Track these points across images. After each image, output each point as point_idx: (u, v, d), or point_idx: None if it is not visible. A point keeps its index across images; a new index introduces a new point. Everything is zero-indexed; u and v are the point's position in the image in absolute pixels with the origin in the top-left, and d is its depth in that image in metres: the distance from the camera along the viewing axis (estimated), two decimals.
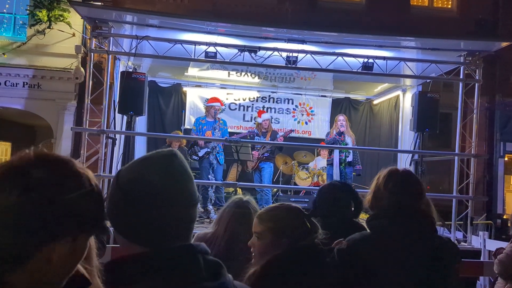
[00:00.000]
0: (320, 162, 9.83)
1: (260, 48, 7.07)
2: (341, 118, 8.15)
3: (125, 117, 7.92)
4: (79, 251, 0.97)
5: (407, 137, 9.48)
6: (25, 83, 9.75)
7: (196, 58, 7.10)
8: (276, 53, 7.13)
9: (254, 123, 9.82)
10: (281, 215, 2.05)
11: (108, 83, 7.20)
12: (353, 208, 2.80)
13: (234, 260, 2.17)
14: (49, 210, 0.89)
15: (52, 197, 0.90)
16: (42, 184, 0.90)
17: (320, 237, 2.03)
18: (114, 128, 7.72)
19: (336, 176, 7.81)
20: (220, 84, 10.77)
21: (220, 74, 10.13)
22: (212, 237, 2.51)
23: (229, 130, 8.72)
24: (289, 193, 9.50)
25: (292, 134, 9.26)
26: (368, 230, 2.14)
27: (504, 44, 7.01)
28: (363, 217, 3.07)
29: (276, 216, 2.05)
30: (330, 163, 8.22)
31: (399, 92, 10.13)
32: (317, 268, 2.00)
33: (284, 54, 7.13)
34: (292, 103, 11.06)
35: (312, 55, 7.24)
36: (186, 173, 1.14)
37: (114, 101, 7.62)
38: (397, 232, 2.04)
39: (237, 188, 8.85)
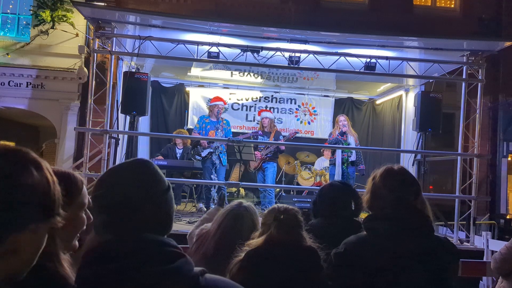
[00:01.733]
0: (323, 162, 9.83)
1: (262, 48, 7.08)
2: (342, 118, 8.16)
3: (128, 117, 7.96)
4: (40, 241, 1.00)
5: (410, 137, 9.49)
6: (29, 83, 9.78)
7: (199, 58, 7.11)
8: (278, 53, 7.14)
9: (258, 123, 9.84)
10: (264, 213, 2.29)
11: (111, 83, 7.22)
12: (353, 208, 2.81)
13: (221, 260, 2.23)
14: (9, 199, 0.93)
15: (8, 187, 0.93)
16: None
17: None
18: (117, 128, 7.74)
19: (338, 176, 7.81)
20: (223, 84, 10.78)
21: (223, 74, 10.14)
22: (206, 234, 2.54)
23: (232, 130, 8.72)
24: (291, 193, 9.50)
25: (295, 135, 9.27)
26: (364, 232, 2.11)
27: (507, 44, 7.00)
28: (363, 217, 3.08)
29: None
30: (332, 163, 8.23)
31: (402, 92, 10.12)
32: (297, 263, 2.04)
33: (287, 54, 7.14)
34: (295, 103, 11.06)
35: (315, 55, 7.25)
36: (140, 177, 1.31)
37: (117, 101, 7.64)
38: (394, 232, 2.02)
39: (240, 188, 8.88)
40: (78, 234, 1.53)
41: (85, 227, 1.58)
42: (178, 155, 9.15)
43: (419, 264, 1.98)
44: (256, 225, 2.53)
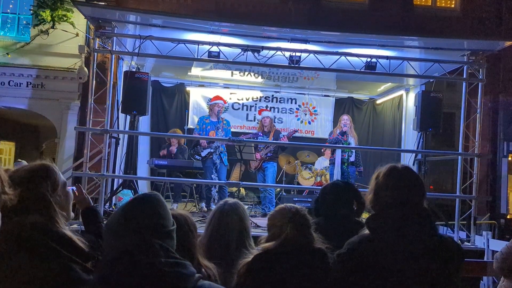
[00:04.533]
0: (323, 162, 9.83)
1: (263, 48, 7.06)
2: (345, 117, 8.15)
3: (128, 117, 7.95)
4: None
5: (410, 136, 9.48)
6: (29, 83, 9.78)
7: (199, 57, 7.09)
8: (279, 52, 7.12)
9: (258, 123, 9.83)
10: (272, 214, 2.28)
11: (112, 82, 7.21)
12: (355, 207, 2.81)
13: (215, 260, 2.25)
14: None
15: None
16: None
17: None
18: (118, 128, 7.73)
19: (337, 176, 7.80)
20: (223, 84, 10.78)
21: (223, 74, 10.14)
22: (199, 241, 2.56)
23: (232, 130, 8.71)
24: (292, 192, 9.50)
25: (295, 134, 9.26)
26: (367, 231, 2.09)
27: (508, 43, 6.98)
28: (364, 217, 3.08)
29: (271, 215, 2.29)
30: (332, 163, 8.22)
31: (402, 92, 10.11)
32: (308, 265, 2.03)
33: (287, 54, 7.13)
34: (295, 103, 11.06)
35: (315, 54, 7.23)
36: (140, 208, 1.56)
37: (117, 100, 7.64)
38: (398, 231, 2.00)
39: (241, 188, 8.87)
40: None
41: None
42: (173, 154, 9.19)
43: (423, 263, 1.96)
44: (243, 220, 2.57)
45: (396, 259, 1.96)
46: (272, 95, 10.98)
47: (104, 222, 2.38)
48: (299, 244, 2.07)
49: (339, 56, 7.25)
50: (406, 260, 1.96)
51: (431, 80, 8.33)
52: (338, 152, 7.96)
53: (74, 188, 2.76)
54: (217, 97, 8.38)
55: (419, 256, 1.97)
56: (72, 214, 1.87)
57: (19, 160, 8.20)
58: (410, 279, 1.95)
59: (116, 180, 7.98)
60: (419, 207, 2.07)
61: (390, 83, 10.19)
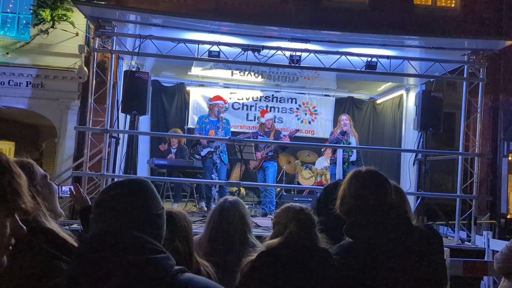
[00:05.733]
0: (323, 162, 9.82)
1: (263, 47, 7.06)
2: (344, 117, 8.14)
3: (128, 117, 7.94)
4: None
5: (410, 136, 9.47)
6: (29, 83, 9.77)
7: (199, 57, 7.09)
8: (279, 52, 7.12)
9: (258, 123, 9.82)
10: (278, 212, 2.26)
11: (112, 82, 7.21)
12: None
13: (217, 257, 2.29)
14: None
15: None
16: None
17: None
18: (118, 128, 7.73)
19: (339, 175, 7.79)
20: (223, 84, 10.77)
21: (223, 74, 10.13)
22: (199, 239, 2.56)
23: (233, 129, 8.70)
24: (292, 192, 9.49)
25: (296, 134, 9.26)
26: (349, 239, 2.09)
27: (508, 43, 6.98)
28: None
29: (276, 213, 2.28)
30: (333, 162, 8.22)
31: (402, 91, 10.10)
32: (311, 264, 2.03)
33: (288, 53, 7.12)
34: (296, 103, 11.05)
35: (316, 54, 7.23)
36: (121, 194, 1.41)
37: (117, 100, 7.63)
38: (373, 235, 2.00)
39: (241, 187, 8.87)
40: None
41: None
42: (173, 154, 9.20)
43: (405, 259, 1.98)
44: (244, 216, 2.60)
45: (380, 262, 1.97)
46: (272, 95, 10.98)
47: None
48: (302, 243, 2.06)
49: (339, 56, 7.25)
50: (390, 261, 1.97)
51: (431, 79, 8.32)
52: (340, 152, 7.96)
53: (72, 187, 2.78)
54: (217, 97, 8.37)
55: (401, 256, 1.99)
56: (61, 211, 1.76)
57: None
58: (397, 279, 1.97)
59: (116, 179, 7.98)
60: (388, 209, 2.06)
61: (390, 83, 10.18)
